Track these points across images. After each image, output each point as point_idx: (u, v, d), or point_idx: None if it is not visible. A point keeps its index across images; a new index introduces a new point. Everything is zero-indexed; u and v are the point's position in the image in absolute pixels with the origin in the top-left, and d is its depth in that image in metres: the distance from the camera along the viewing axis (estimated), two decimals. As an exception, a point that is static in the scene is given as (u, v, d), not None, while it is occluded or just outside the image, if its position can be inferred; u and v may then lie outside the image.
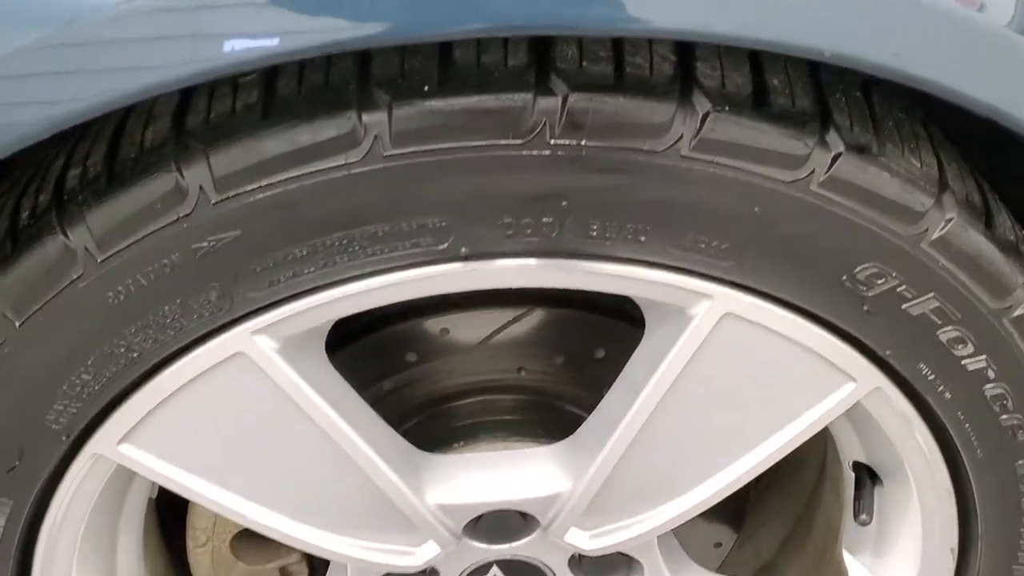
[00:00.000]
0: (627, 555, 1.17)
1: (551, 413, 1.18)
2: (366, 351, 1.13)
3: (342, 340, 1.12)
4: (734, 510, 1.40)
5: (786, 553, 1.42)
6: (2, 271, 0.85)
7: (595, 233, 0.85)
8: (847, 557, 1.24)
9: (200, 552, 1.18)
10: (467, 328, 1.15)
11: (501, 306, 1.15)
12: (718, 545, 1.39)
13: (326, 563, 1.21)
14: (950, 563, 1.13)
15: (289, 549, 1.25)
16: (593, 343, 1.18)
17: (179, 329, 0.87)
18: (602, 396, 1.04)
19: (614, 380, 1.03)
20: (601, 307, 1.16)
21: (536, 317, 1.16)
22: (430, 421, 1.18)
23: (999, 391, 0.99)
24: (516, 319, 1.14)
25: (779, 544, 1.45)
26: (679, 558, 1.19)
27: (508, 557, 1.15)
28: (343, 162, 0.80)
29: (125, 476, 1.06)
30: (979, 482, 1.05)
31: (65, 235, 0.83)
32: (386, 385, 1.16)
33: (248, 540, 1.23)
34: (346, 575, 1.16)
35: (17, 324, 0.86)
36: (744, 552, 1.43)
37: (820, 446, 1.34)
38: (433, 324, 1.15)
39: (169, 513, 1.22)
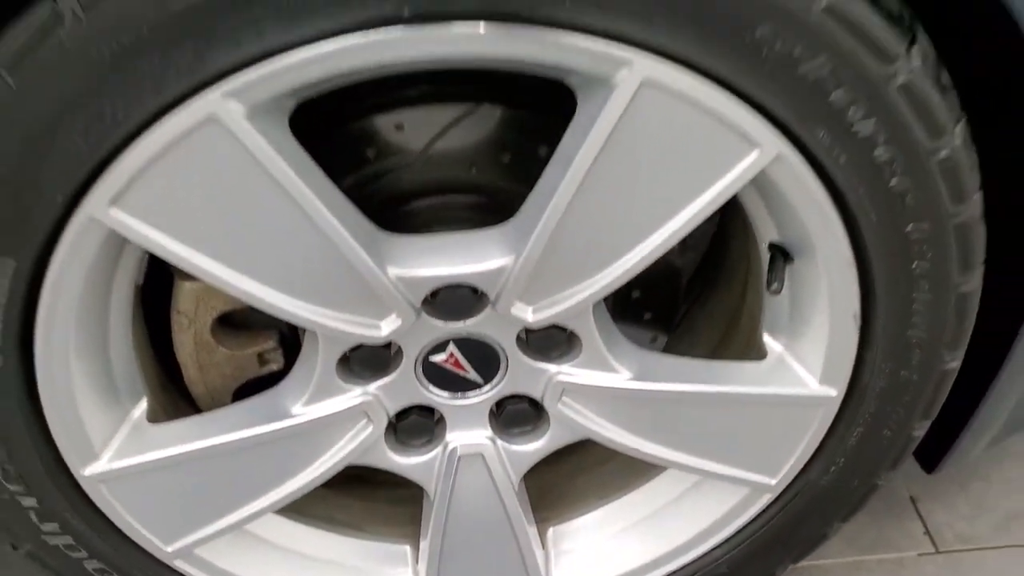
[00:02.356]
0: (567, 332, 1.30)
1: (500, 207, 1.30)
2: (328, 146, 1.24)
3: (306, 137, 1.23)
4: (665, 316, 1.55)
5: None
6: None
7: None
8: (767, 339, 1.39)
9: (184, 337, 1.30)
10: (421, 123, 1.27)
11: (452, 101, 1.27)
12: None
13: (298, 352, 1.35)
14: (854, 330, 1.27)
15: (266, 337, 1.38)
16: (535, 142, 1.30)
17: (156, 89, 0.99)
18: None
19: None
20: (540, 106, 1.28)
21: (484, 115, 1.28)
22: (393, 218, 1.30)
23: (887, 156, 1.12)
24: (466, 114, 1.25)
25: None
26: (614, 335, 1.33)
27: (464, 335, 1.29)
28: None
29: (113, 252, 1.18)
30: (875, 247, 1.18)
31: (54, -1, 0.94)
32: (348, 181, 1.28)
33: (228, 328, 1.35)
34: (315, 365, 1.29)
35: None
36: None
37: (744, 259, 1.48)
38: (389, 119, 1.27)
39: (156, 310, 1.34)
